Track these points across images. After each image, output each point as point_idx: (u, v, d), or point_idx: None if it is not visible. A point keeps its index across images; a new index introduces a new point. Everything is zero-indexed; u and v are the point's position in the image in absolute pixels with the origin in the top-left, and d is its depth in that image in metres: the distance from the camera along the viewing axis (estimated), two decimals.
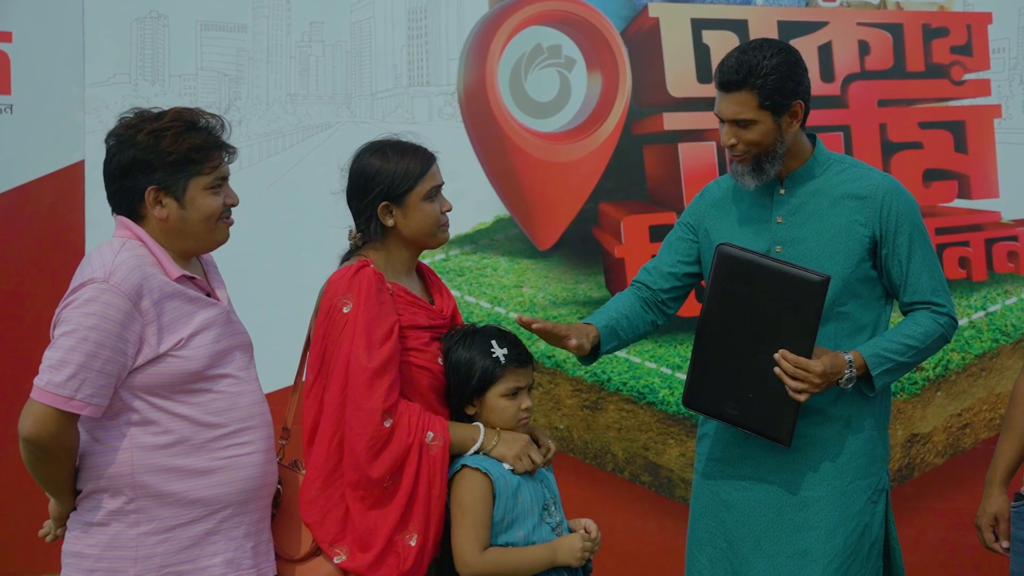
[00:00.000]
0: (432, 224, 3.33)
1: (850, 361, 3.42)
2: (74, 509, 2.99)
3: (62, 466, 2.90)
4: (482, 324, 3.44)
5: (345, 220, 3.50)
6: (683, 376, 3.57)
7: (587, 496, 6.41)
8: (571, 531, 3.34)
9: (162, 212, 2.99)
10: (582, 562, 3.24)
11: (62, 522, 3.05)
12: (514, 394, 3.29)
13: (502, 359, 3.27)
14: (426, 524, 3.11)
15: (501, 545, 3.18)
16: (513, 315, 6.44)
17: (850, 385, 3.44)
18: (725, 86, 3.53)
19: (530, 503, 3.23)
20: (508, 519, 3.19)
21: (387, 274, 3.28)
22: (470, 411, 3.29)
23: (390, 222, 3.31)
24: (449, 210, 3.41)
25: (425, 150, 3.40)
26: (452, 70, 6.58)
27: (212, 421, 2.98)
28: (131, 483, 2.90)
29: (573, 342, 3.56)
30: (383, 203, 3.29)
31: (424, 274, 3.51)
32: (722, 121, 3.56)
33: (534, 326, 3.51)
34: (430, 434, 3.14)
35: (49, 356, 2.84)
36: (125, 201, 3.03)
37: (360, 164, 3.38)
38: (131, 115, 3.07)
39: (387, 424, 3.10)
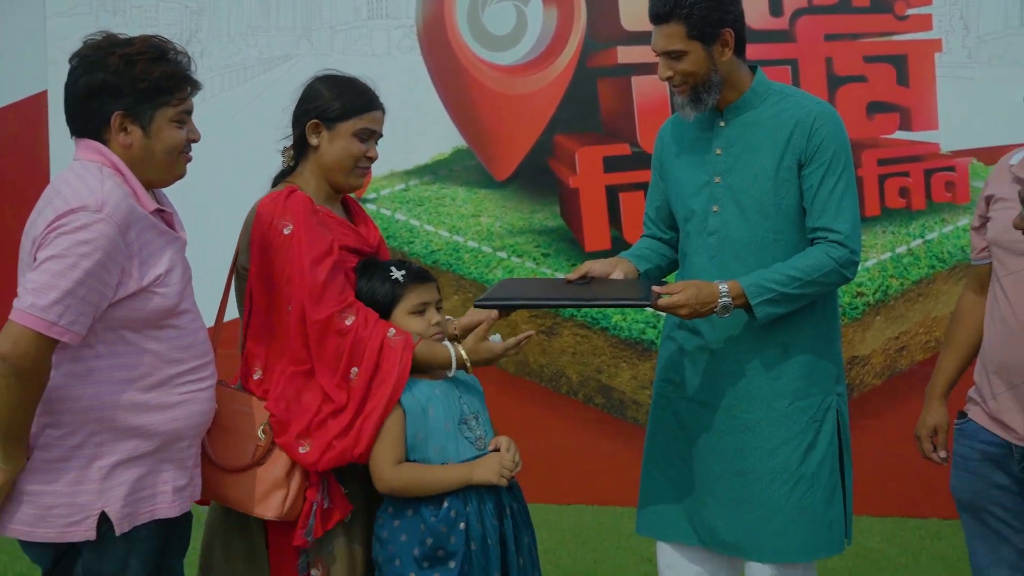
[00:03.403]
0: (350, 160, 3.30)
1: (724, 289, 3.38)
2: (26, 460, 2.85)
3: (32, 396, 2.77)
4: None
5: None
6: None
7: (543, 417, 6.56)
8: (492, 450, 3.27)
9: (126, 139, 2.89)
10: (504, 481, 3.18)
11: (7, 489, 2.83)
12: (421, 311, 3.28)
13: (401, 279, 3.26)
14: (374, 406, 3.12)
15: (417, 461, 3.16)
16: (472, 243, 6.57)
17: (727, 314, 3.41)
18: (655, 19, 3.52)
19: (443, 419, 3.19)
20: (421, 435, 3.17)
21: (315, 199, 3.27)
22: None
23: (315, 141, 3.30)
24: (373, 159, 3.38)
25: (376, 97, 3.37)
26: (411, 3, 6.60)
27: (176, 357, 2.95)
28: (96, 417, 2.84)
29: (618, 274, 3.59)
30: (313, 120, 3.29)
31: (349, 204, 3.50)
32: (658, 54, 3.55)
33: (578, 273, 3.52)
34: (392, 331, 3.18)
35: (34, 279, 2.72)
36: (90, 125, 2.91)
37: (311, 83, 3.38)
38: (99, 37, 2.94)
39: (348, 322, 3.13)
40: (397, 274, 3.27)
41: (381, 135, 3.40)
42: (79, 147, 2.93)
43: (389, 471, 3.13)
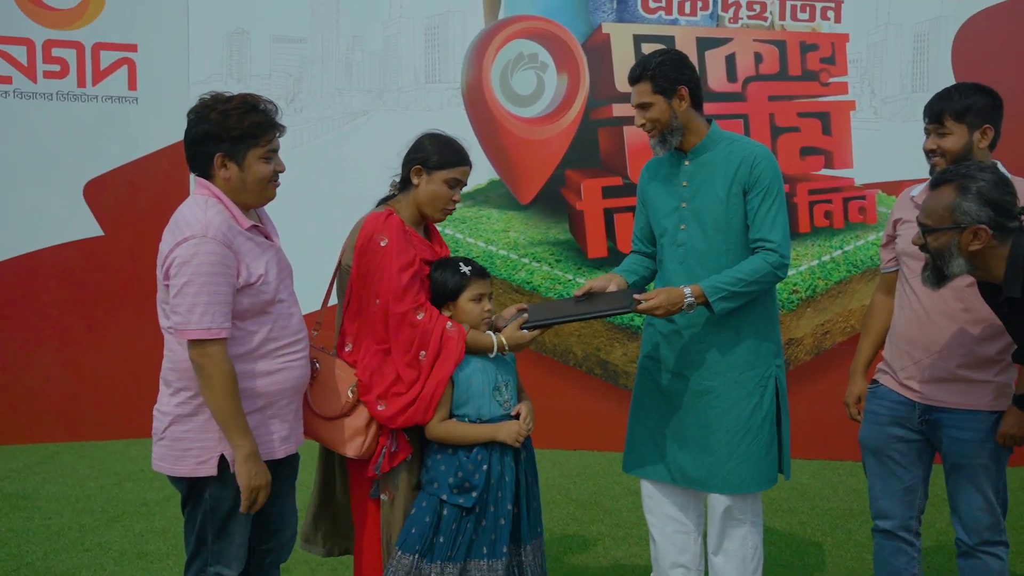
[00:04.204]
0: (440, 202, 3.27)
1: (688, 293, 3.40)
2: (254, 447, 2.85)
3: (229, 386, 2.78)
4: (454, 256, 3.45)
5: (376, 189, 3.46)
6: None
7: (554, 384, 6.54)
8: (515, 414, 3.31)
9: (226, 173, 2.87)
10: (518, 443, 3.23)
11: (257, 456, 2.85)
12: (478, 299, 3.28)
13: (468, 273, 3.26)
14: (436, 382, 3.15)
15: (459, 415, 3.21)
16: (502, 252, 6.56)
17: (692, 310, 3.42)
18: (631, 81, 3.55)
19: (481, 386, 3.24)
20: (464, 397, 3.22)
21: (406, 221, 3.27)
22: (447, 313, 3.27)
23: (416, 181, 3.28)
24: (457, 202, 3.35)
25: (467, 156, 3.34)
26: (458, 71, 6.59)
27: (275, 335, 2.93)
28: None
29: (612, 287, 3.58)
30: (417, 166, 3.27)
31: (429, 227, 3.46)
32: (634, 107, 3.56)
33: (583, 291, 3.52)
34: (449, 324, 3.19)
35: (177, 303, 2.76)
36: (199, 163, 2.91)
37: (420, 136, 3.35)
38: (208, 96, 2.94)
39: (419, 317, 3.14)
40: (465, 269, 3.27)
41: (466, 184, 3.37)
42: (195, 183, 2.93)
43: (436, 425, 3.19)
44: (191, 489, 2.93)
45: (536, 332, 3.31)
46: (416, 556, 3.14)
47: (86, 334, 6.66)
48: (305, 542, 3.45)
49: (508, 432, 3.21)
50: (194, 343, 2.77)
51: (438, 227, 3.55)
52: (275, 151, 2.97)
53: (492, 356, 3.26)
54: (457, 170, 3.30)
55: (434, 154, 3.28)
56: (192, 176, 2.97)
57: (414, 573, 3.14)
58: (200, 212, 2.82)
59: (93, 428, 6.62)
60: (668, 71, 3.47)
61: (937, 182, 2.92)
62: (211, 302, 2.75)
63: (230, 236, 2.82)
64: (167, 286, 2.82)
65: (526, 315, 3.34)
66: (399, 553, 3.16)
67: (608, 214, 6.49)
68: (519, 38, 6.53)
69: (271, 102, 2.99)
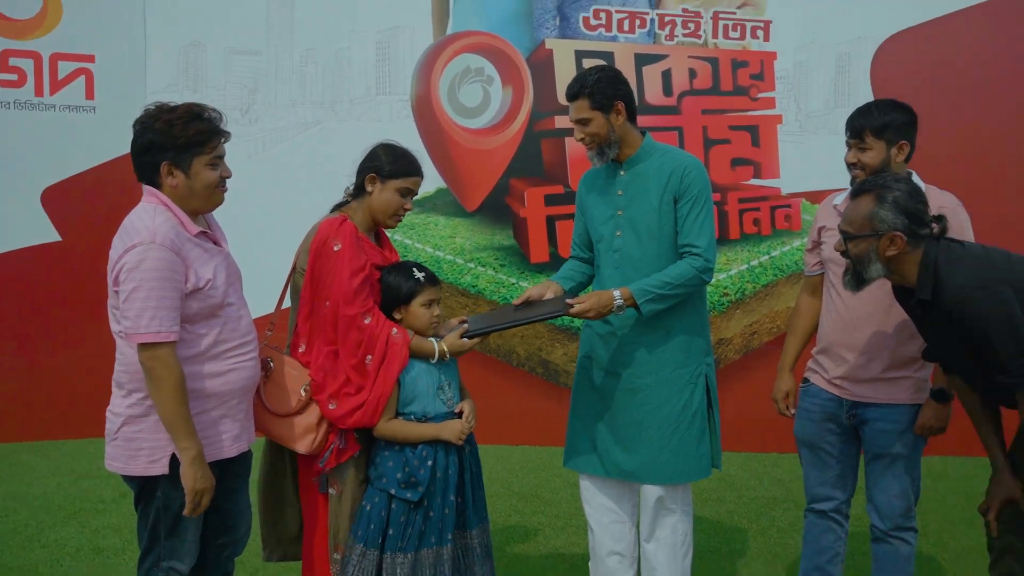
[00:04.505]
0: (391, 208, 3.27)
1: (617, 296, 3.40)
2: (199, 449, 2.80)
3: (177, 389, 2.74)
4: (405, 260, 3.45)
5: (328, 197, 3.46)
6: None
7: (498, 383, 6.55)
8: (458, 412, 3.31)
9: (173, 181, 2.82)
10: (460, 441, 3.23)
11: (202, 458, 2.80)
12: (429, 305, 3.27)
13: (421, 279, 3.26)
14: (382, 386, 3.15)
15: (406, 414, 3.21)
16: (449, 256, 6.55)
17: (621, 312, 3.43)
18: (569, 98, 3.53)
19: (426, 386, 3.24)
20: (410, 397, 3.22)
21: (359, 227, 3.26)
22: (397, 316, 3.27)
23: (370, 189, 3.27)
24: (409, 210, 3.34)
25: (419, 167, 3.34)
26: (407, 83, 6.57)
27: (223, 338, 2.89)
28: None
29: (549, 294, 3.57)
30: (371, 174, 3.26)
31: (380, 235, 3.45)
32: (573, 122, 3.54)
33: (521, 299, 3.52)
34: (394, 330, 3.18)
35: (127, 308, 2.72)
36: (146, 172, 2.85)
37: (375, 146, 3.34)
38: (153, 107, 2.89)
39: (366, 321, 3.14)
40: (419, 275, 3.27)
41: (417, 193, 3.37)
42: (145, 192, 2.88)
43: (384, 425, 3.19)
44: (143, 487, 2.90)
45: (476, 340, 3.32)
46: (370, 548, 3.16)
47: (44, 337, 6.55)
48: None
49: (451, 431, 3.22)
50: (143, 346, 2.72)
51: (389, 232, 3.53)
52: (220, 157, 2.93)
53: (433, 362, 3.27)
54: (409, 180, 3.30)
55: (388, 164, 3.28)
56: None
57: (368, 564, 3.15)
58: (148, 219, 2.78)
59: (50, 428, 6.52)
60: (605, 88, 3.47)
61: (856, 192, 2.98)
62: (160, 306, 2.71)
63: (178, 242, 2.78)
64: (117, 292, 2.78)
65: (467, 325, 3.35)
66: (354, 546, 3.17)
67: (550, 221, 6.51)
68: (466, 52, 6.52)
69: (215, 110, 2.94)
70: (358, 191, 3.33)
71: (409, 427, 3.21)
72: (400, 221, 3.38)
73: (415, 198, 3.39)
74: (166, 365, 2.73)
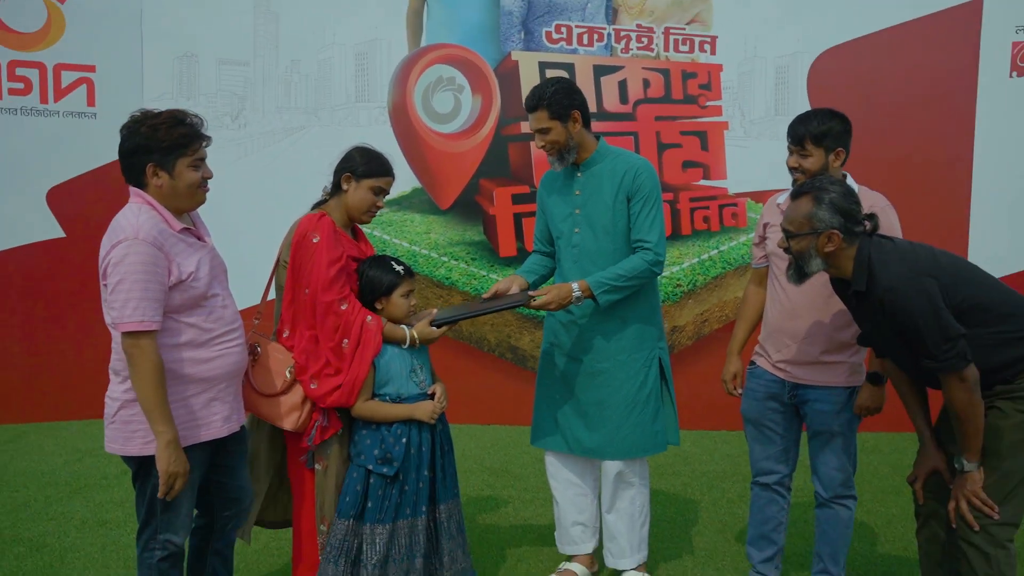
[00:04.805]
0: (365, 205, 3.28)
1: (576, 288, 3.42)
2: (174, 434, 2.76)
3: (155, 375, 2.71)
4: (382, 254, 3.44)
5: (312, 196, 3.44)
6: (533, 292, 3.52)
7: (470, 366, 6.54)
8: (430, 394, 3.32)
9: (158, 182, 2.81)
10: (432, 421, 3.24)
11: (176, 443, 2.75)
12: (407, 295, 3.29)
13: (401, 272, 3.28)
14: (358, 369, 3.16)
15: (381, 395, 3.22)
16: (424, 251, 6.53)
17: (580, 303, 3.45)
18: (528, 109, 3.52)
19: (399, 369, 3.24)
20: (385, 379, 3.22)
21: (337, 223, 3.27)
22: (378, 306, 3.27)
23: (345, 187, 3.28)
24: (381, 207, 3.34)
25: (391, 168, 3.33)
26: (384, 91, 6.53)
27: (209, 327, 2.88)
28: None
29: (515, 288, 3.59)
30: (347, 174, 3.27)
31: (356, 229, 3.45)
32: (533, 132, 3.54)
33: (489, 293, 3.52)
34: (369, 317, 3.19)
35: (112, 300, 2.71)
36: (133, 174, 2.84)
37: (351, 149, 3.34)
38: (139, 113, 2.88)
39: (343, 307, 3.15)
40: (398, 268, 3.28)
41: (388, 192, 3.36)
42: (131, 193, 2.87)
43: (361, 405, 3.21)
44: (140, 466, 2.88)
45: (444, 328, 3.32)
46: (351, 520, 3.17)
47: (49, 325, 6.49)
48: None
49: (424, 411, 3.23)
50: (127, 335, 2.71)
51: (368, 229, 3.52)
52: (202, 159, 2.91)
53: (405, 347, 3.27)
54: (381, 179, 3.30)
55: (362, 164, 3.28)
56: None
57: (350, 536, 3.17)
58: (133, 218, 2.77)
59: (57, 409, 6.47)
60: (562, 99, 3.47)
61: (796, 194, 3.01)
62: (143, 298, 2.70)
63: (160, 238, 2.76)
64: (106, 285, 2.77)
65: (435, 313, 3.36)
66: (337, 520, 3.18)
67: (517, 218, 6.50)
68: (439, 63, 6.50)
69: (197, 116, 2.93)
70: (335, 189, 3.33)
71: (385, 407, 3.22)
72: (374, 217, 3.38)
73: (390, 197, 3.38)
74: (145, 353, 2.71)
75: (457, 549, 3.36)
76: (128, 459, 2.89)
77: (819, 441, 3.44)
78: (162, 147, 2.80)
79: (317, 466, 3.24)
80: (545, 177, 3.81)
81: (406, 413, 3.22)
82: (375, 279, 3.26)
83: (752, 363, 3.64)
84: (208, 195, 2.97)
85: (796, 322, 3.41)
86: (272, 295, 3.39)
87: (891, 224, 3.29)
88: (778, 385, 3.49)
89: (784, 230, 3.00)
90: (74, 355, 6.46)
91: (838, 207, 2.88)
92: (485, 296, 3.54)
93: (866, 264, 2.86)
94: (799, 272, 3.00)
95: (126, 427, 2.83)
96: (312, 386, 3.16)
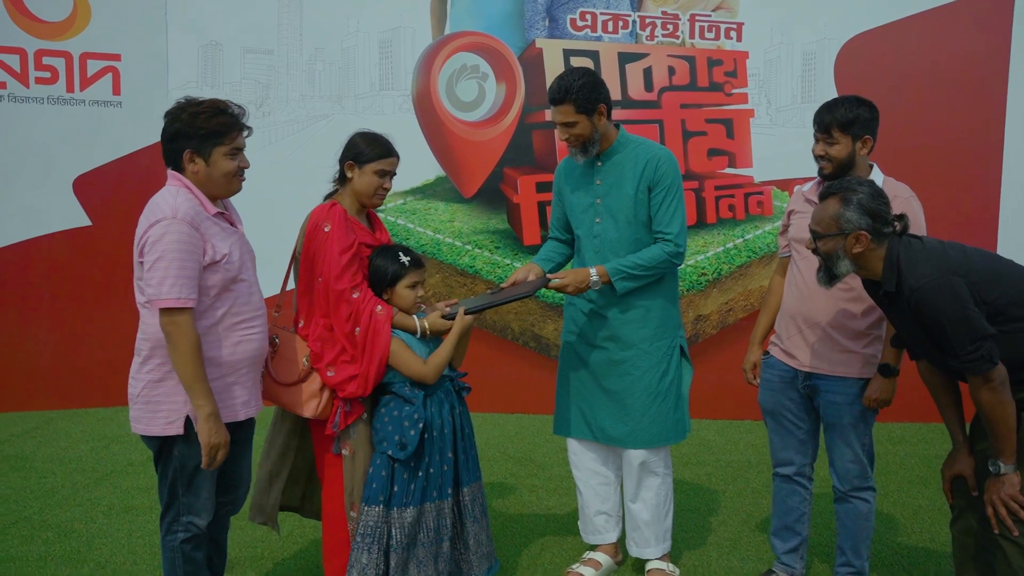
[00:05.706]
0: (371, 189, 3.28)
1: (594, 273, 3.45)
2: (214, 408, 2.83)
3: (194, 352, 2.76)
4: (394, 244, 3.44)
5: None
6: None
7: (494, 355, 6.56)
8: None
9: (194, 168, 2.87)
10: (441, 328, 3.27)
11: (217, 415, 2.82)
12: (413, 286, 3.29)
13: (407, 263, 3.28)
14: (370, 360, 3.17)
15: (399, 382, 3.23)
16: (448, 240, 6.55)
17: (597, 287, 3.47)
18: (553, 102, 3.49)
19: (418, 351, 3.23)
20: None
21: (349, 211, 3.28)
22: (385, 296, 3.27)
23: (350, 175, 3.29)
24: (388, 190, 3.34)
25: (393, 148, 3.33)
26: (408, 79, 6.55)
27: (236, 311, 2.92)
28: None
29: (532, 276, 3.60)
30: (350, 161, 3.28)
31: (370, 215, 3.46)
32: (557, 124, 3.52)
33: (508, 282, 3.53)
34: (379, 307, 3.20)
35: (150, 277, 2.75)
36: (172, 157, 2.89)
37: (352, 136, 3.35)
38: (183, 100, 2.94)
39: (355, 296, 3.17)
40: (404, 259, 3.29)
41: (395, 174, 3.37)
42: (169, 176, 2.93)
43: (424, 369, 3.23)
44: (162, 447, 2.93)
45: (470, 318, 3.31)
46: (380, 507, 3.20)
47: (76, 313, 6.56)
48: (259, 512, 3.47)
49: (433, 322, 3.29)
50: (164, 312, 2.76)
51: (392, 217, 3.53)
52: (239, 149, 2.96)
53: (418, 337, 3.30)
54: (385, 161, 3.31)
55: (365, 149, 3.29)
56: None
57: (381, 522, 3.20)
58: (171, 199, 2.82)
59: (84, 396, 6.54)
60: (588, 93, 3.45)
61: (824, 195, 3.00)
62: (180, 275, 2.75)
63: (197, 220, 2.82)
64: (141, 263, 2.81)
65: (448, 308, 3.38)
66: (365, 507, 3.20)
67: (541, 206, 6.50)
68: (463, 51, 6.50)
69: (240, 106, 2.98)
70: (341, 179, 3.35)
71: (437, 356, 3.26)
72: (383, 199, 3.38)
73: (414, 185, 3.40)
74: (182, 330, 2.76)
75: (481, 532, 3.39)
76: (150, 440, 2.93)
77: (833, 434, 3.43)
78: (200, 134, 2.86)
79: (344, 451, 3.26)
80: (562, 165, 3.81)
81: (450, 343, 3.27)
82: (380, 269, 3.29)
83: (766, 353, 3.64)
84: None
85: (811, 305, 3.40)
86: (291, 286, 3.41)
87: (914, 215, 3.26)
88: (791, 374, 3.50)
89: (812, 231, 3.00)
90: (100, 343, 6.52)
91: (866, 208, 2.88)
92: (504, 285, 3.55)
93: (895, 264, 2.85)
94: (828, 275, 2.99)
95: (148, 407, 2.88)
96: (329, 373, 3.19)
